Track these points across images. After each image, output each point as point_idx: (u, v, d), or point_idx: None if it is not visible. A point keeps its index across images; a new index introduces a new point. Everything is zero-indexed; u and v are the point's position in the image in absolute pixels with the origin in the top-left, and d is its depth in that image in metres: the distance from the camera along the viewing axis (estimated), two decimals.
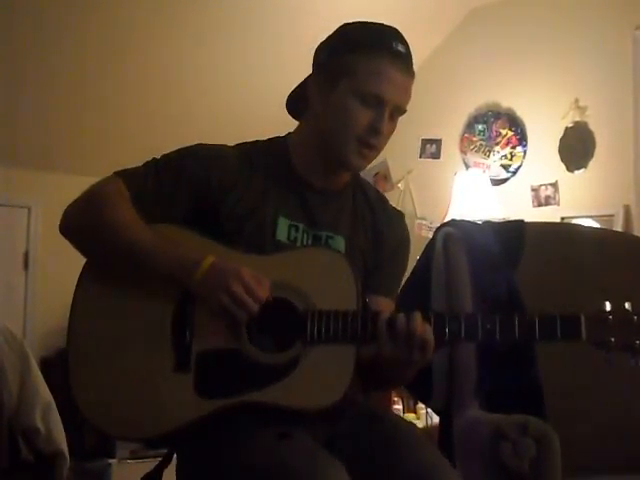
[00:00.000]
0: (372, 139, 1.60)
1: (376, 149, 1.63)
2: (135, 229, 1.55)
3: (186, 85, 4.78)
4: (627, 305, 1.47)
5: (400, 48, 1.60)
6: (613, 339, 1.46)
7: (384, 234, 1.74)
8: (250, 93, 4.91)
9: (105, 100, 4.67)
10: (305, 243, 1.66)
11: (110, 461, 4.35)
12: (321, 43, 1.68)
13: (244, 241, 1.59)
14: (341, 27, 1.67)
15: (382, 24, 1.65)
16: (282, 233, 1.63)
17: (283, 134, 1.75)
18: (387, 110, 1.59)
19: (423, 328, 1.47)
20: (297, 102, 1.72)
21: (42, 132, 4.70)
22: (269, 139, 1.74)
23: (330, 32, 1.70)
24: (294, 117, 1.76)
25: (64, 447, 2.83)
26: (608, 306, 1.48)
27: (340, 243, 1.68)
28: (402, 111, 1.63)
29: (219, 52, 4.65)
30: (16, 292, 4.91)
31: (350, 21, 1.68)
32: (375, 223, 1.74)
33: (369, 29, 1.64)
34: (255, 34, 4.56)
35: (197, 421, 1.49)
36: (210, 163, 1.63)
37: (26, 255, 4.96)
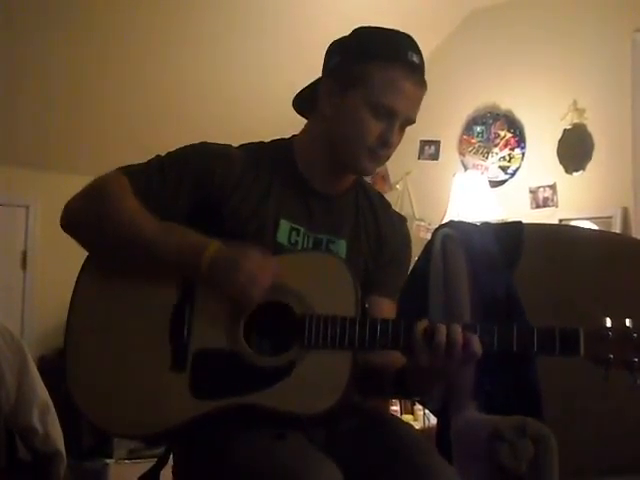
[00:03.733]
0: (381, 151, 1.61)
1: (386, 158, 1.64)
2: (140, 218, 1.54)
3: (185, 85, 4.77)
4: (627, 322, 1.44)
5: (415, 59, 1.59)
6: (612, 356, 1.43)
7: (386, 236, 1.74)
8: (249, 94, 4.91)
9: (104, 99, 4.67)
10: (306, 246, 1.65)
11: (107, 461, 4.34)
12: (333, 45, 1.67)
13: (245, 242, 1.57)
14: (355, 31, 1.66)
15: (398, 31, 1.63)
16: (283, 236, 1.62)
17: (287, 136, 1.74)
18: (398, 122, 1.59)
19: (473, 341, 1.44)
20: (305, 101, 1.71)
21: (41, 131, 4.70)
22: (273, 140, 1.73)
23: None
24: (301, 114, 1.75)
25: (61, 447, 2.83)
26: (609, 322, 1.44)
27: (341, 247, 1.68)
28: (412, 122, 1.63)
29: (219, 52, 4.65)
30: (14, 291, 4.90)
31: (365, 25, 1.66)
32: (377, 226, 1.74)
33: (385, 37, 1.62)
34: (255, 35, 4.56)
35: (191, 421, 1.49)
36: (214, 162, 1.62)
37: (24, 254, 4.95)
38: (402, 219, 1.82)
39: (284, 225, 1.63)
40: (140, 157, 1.71)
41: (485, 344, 1.46)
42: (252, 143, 1.72)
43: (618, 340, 1.43)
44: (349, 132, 1.59)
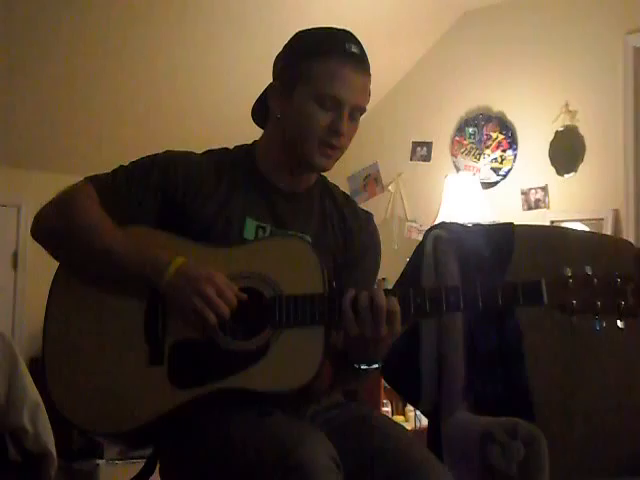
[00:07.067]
0: (333, 140, 1.64)
1: (339, 149, 1.67)
2: (106, 231, 1.59)
3: (178, 85, 4.77)
4: (587, 269, 1.49)
5: (353, 49, 1.64)
6: (575, 301, 1.47)
7: (354, 231, 1.78)
8: (243, 94, 4.91)
9: (96, 100, 4.66)
10: None
11: (98, 461, 4.34)
12: (279, 53, 1.74)
13: (212, 241, 1.62)
14: (296, 34, 1.73)
15: (333, 28, 1.70)
16: (250, 233, 1.67)
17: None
18: (346, 111, 1.63)
19: (389, 301, 1.49)
20: (261, 110, 1.77)
21: (33, 131, 4.69)
22: (236, 146, 1.79)
23: None
24: (259, 125, 1.80)
25: (52, 447, 2.83)
26: (569, 271, 1.49)
27: None
28: (362, 110, 1.67)
29: (212, 52, 4.65)
30: (5, 292, 4.88)
31: (304, 28, 1.73)
32: (344, 221, 1.78)
33: (320, 34, 1.69)
34: (248, 35, 4.56)
35: (173, 411, 1.51)
36: (177, 167, 1.67)
37: (15, 255, 4.94)
38: (369, 215, 1.85)
39: (250, 223, 1.67)
40: (131, 156, 1.73)
41: (451, 304, 1.51)
42: (214, 149, 1.78)
43: (579, 286, 1.47)
44: (299, 127, 1.64)
